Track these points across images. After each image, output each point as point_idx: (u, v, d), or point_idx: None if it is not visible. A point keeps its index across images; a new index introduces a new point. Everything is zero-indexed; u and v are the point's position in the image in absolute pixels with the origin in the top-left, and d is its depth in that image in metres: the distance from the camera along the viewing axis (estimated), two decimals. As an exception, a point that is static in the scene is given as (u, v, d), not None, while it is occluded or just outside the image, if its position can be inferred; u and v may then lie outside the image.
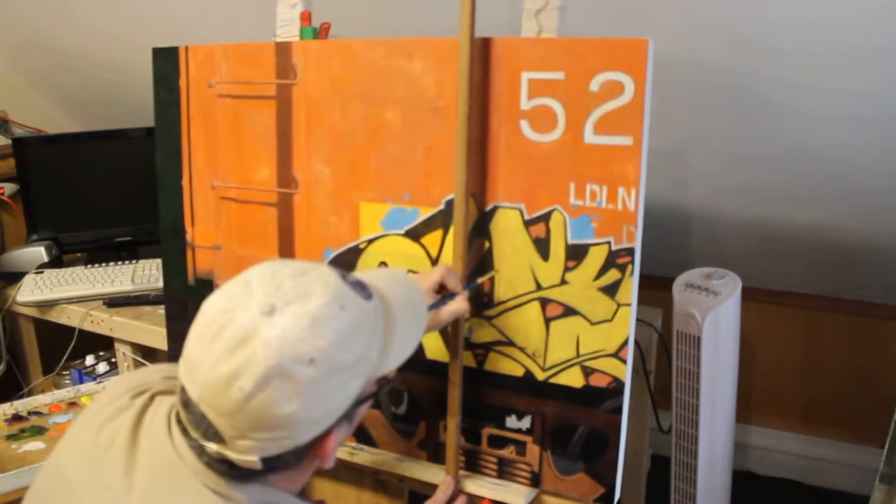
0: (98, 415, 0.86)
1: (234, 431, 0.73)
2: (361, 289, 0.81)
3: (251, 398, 0.71)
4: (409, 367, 1.26)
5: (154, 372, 0.94)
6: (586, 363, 1.14)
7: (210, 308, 0.76)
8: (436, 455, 1.28)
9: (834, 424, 2.23)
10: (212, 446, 0.75)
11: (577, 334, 1.14)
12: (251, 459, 0.75)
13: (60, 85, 2.43)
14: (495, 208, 1.17)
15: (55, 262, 2.07)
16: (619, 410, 1.13)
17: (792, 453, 2.28)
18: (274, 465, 0.76)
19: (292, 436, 0.75)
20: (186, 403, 0.76)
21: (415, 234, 1.24)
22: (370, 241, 1.28)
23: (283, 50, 1.30)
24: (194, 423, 0.76)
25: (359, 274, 0.88)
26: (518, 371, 1.19)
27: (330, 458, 0.80)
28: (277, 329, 0.72)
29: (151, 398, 0.87)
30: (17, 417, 1.59)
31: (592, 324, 1.13)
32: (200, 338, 0.74)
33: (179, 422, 0.79)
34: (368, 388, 0.83)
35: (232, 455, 0.75)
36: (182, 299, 1.49)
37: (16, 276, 2.01)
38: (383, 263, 1.26)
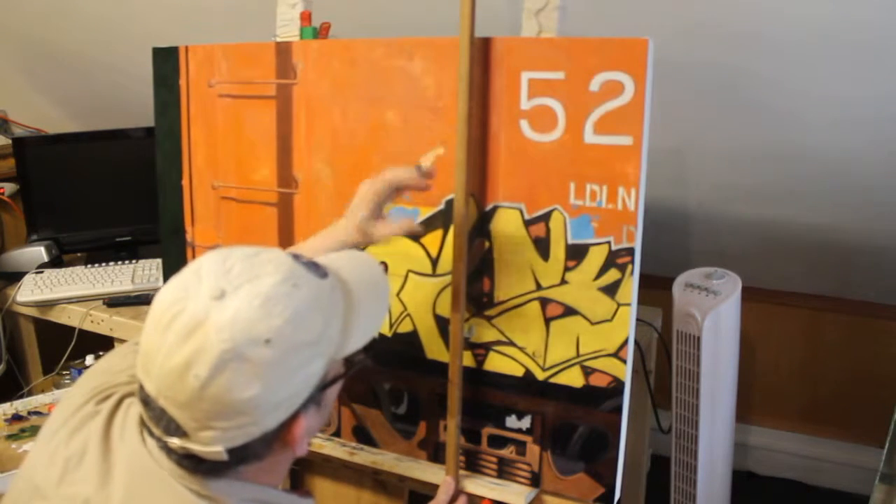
0: (66, 424, 0.83)
1: (195, 423, 0.71)
2: (315, 268, 0.79)
3: (208, 385, 0.69)
4: (409, 366, 1.28)
5: (119, 373, 0.90)
6: (586, 363, 1.14)
7: (161, 300, 0.74)
8: (436, 455, 1.28)
9: (834, 424, 2.23)
10: (175, 441, 0.73)
11: (577, 334, 1.14)
12: (216, 450, 0.72)
13: (60, 85, 2.42)
14: (495, 208, 1.17)
15: (55, 262, 2.07)
16: (618, 410, 1.13)
17: (792, 453, 2.28)
18: (242, 455, 0.74)
19: (255, 422, 0.72)
20: (146, 400, 0.74)
21: (415, 234, 1.24)
22: (370, 241, 1.28)
23: (283, 50, 1.30)
24: (155, 419, 0.74)
25: (317, 257, 0.85)
26: (518, 371, 1.19)
27: (300, 445, 0.78)
28: (229, 312, 0.70)
29: (119, 402, 0.83)
30: (17, 417, 1.60)
31: (592, 324, 1.13)
32: (153, 331, 0.72)
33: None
34: (334, 369, 0.80)
35: (196, 448, 0.72)
36: (182, 299, 1.49)
37: (16, 276, 2.01)
38: (383, 263, 1.26)
